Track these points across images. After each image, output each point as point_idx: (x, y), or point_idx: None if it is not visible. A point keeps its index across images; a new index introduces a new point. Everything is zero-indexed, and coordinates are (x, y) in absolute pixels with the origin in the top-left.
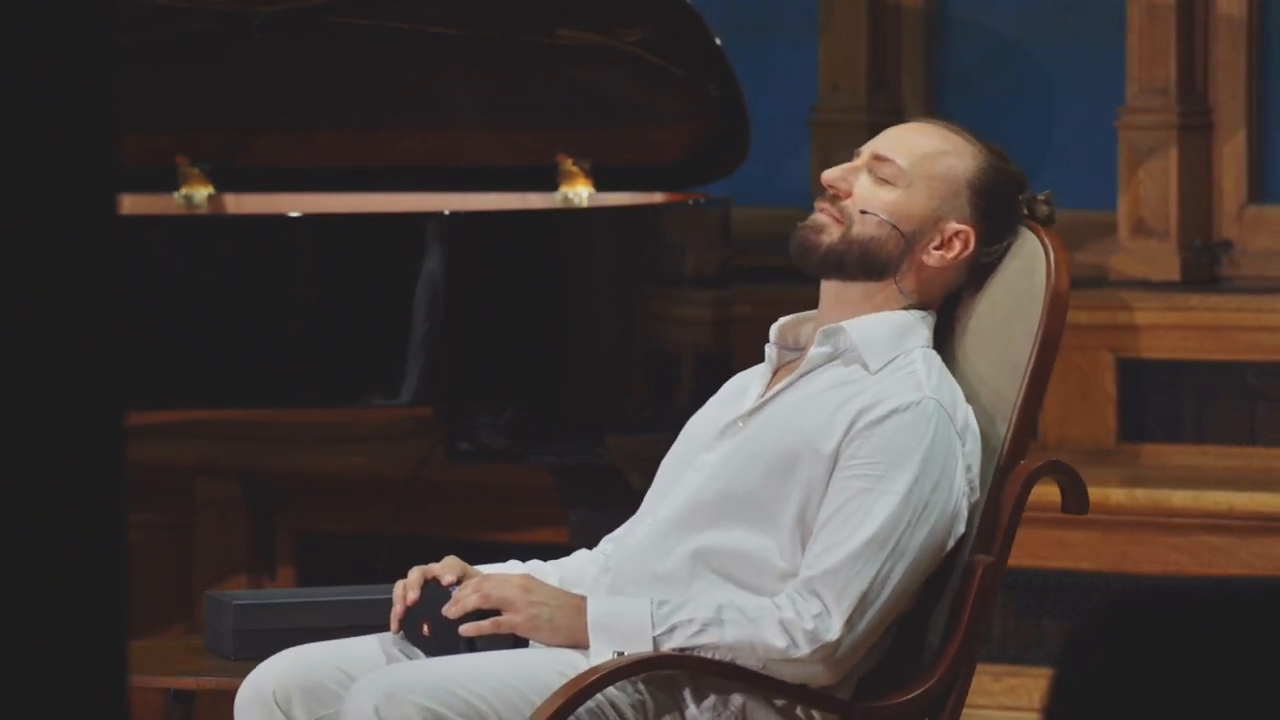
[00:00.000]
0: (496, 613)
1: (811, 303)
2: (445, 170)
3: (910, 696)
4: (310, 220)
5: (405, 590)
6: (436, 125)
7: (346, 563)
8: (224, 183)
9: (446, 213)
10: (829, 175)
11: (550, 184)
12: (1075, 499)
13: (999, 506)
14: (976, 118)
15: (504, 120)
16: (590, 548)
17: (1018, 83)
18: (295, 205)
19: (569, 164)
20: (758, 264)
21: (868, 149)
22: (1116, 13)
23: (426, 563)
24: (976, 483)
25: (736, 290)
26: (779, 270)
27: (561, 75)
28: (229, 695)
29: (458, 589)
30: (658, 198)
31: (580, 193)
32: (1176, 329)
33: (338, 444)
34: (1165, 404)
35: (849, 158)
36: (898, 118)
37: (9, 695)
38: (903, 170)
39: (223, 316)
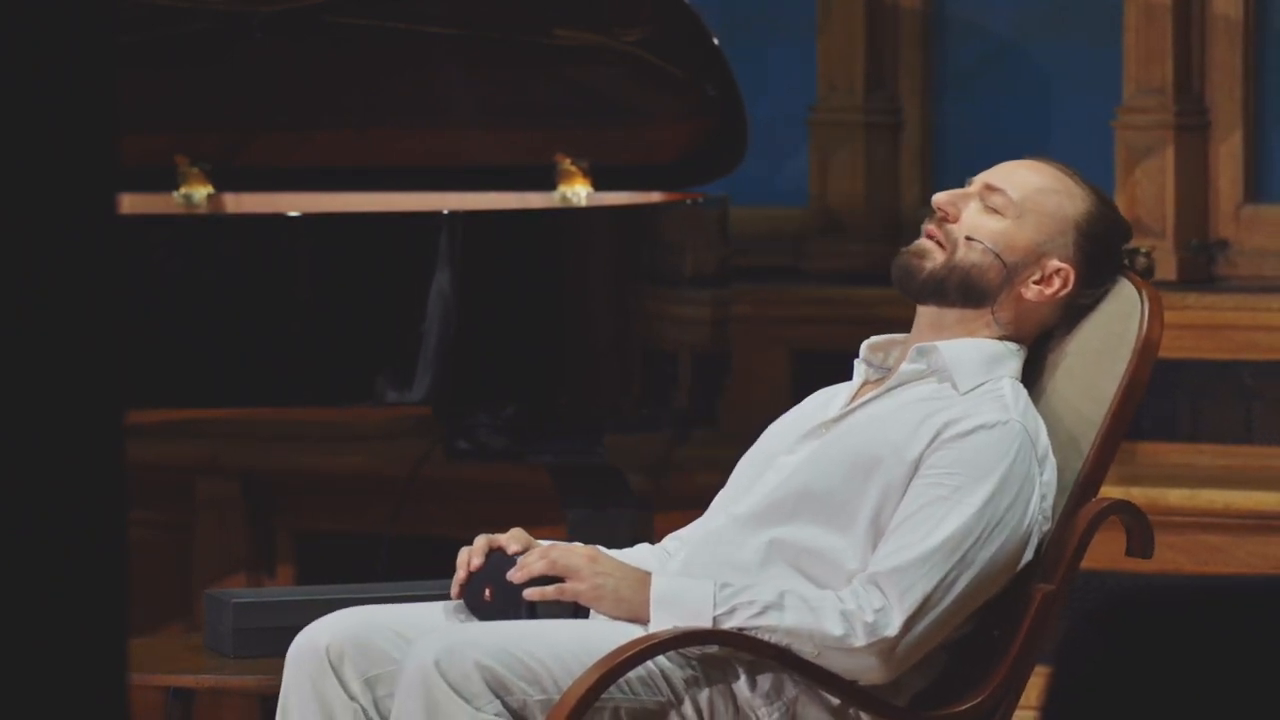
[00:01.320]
0: (560, 580)
1: (806, 302)
2: (444, 170)
3: (957, 710)
4: (309, 220)
5: (470, 556)
6: (435, 125)
7: (346, 561)
8: (223, 182)
9: (445, 212)
10: (940, 199)
11: (549, 183)
12: (1140, 543)
13: (1065, 539)
14: (974, 118)
15: (503, 120)
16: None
17: (1015, 82)
18: (294, 205)
19: (567, 163)
20: (755, 264)
21: (981, 178)
22: (1113, 13)
23: (426, 562)
24: (1049, 512)
25: (734, 290)
26: (777, 270)
27: (560, 75)
28: (228, 694)
29: (523, 556)
30: (656, 197)
31: (578, 192)
32: (1173, 328)
33: (337, 443)
34: (1162, 403)
35: (844, 158)
36: (895, 118)
37: (9, 693)
38: (1013, 202)
39: (222, 316)
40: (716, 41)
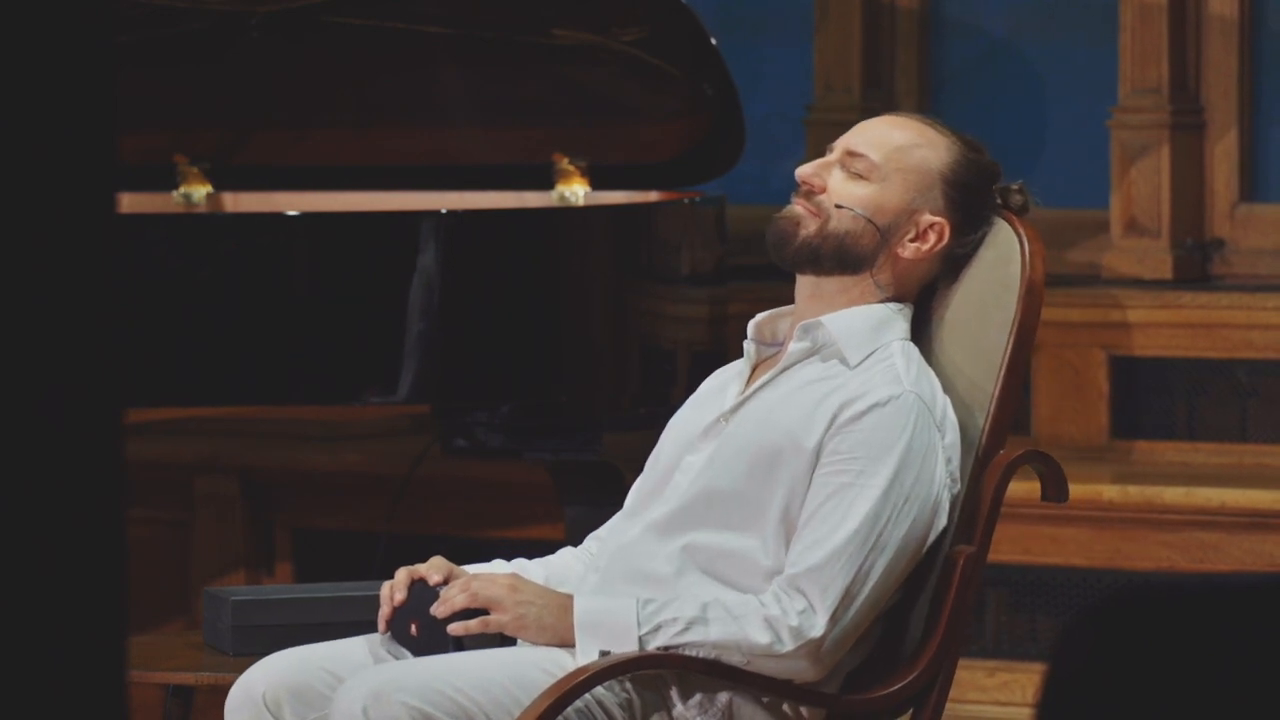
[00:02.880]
0: (484, 612)
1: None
2: (442, 169)
3: (895, 688)
4: (307, 218)
5: (392, 591)
6: (433, 124)
7: (344, 559)
8: (222, 181)
9: (443, 211)
10: (803, 171)
11: (546, 183)
12: (1055, 487)
13: (979, 497)
14: (970, 117)
15: (500, 119)
16: (578, 544)
17: (1011, 82)
18: (293, 204)
19: (565, 163)
20: (752, 262)
21: (840, 144)
22: (1109, 12)
23: (424, 559)
24: (957, 474)
25: (731, 288)
26: (773, 268)
27: (557, 74)
28: (227, 690)
29: (445, 589)
30: (653, 196)
31: (576, 191)
32: (1168, 327)
33: (335, 441)
34: (1157, 401)
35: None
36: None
37: (9, 690)
38: (876, 164)
39: (221, 314)
40: (714, 41)
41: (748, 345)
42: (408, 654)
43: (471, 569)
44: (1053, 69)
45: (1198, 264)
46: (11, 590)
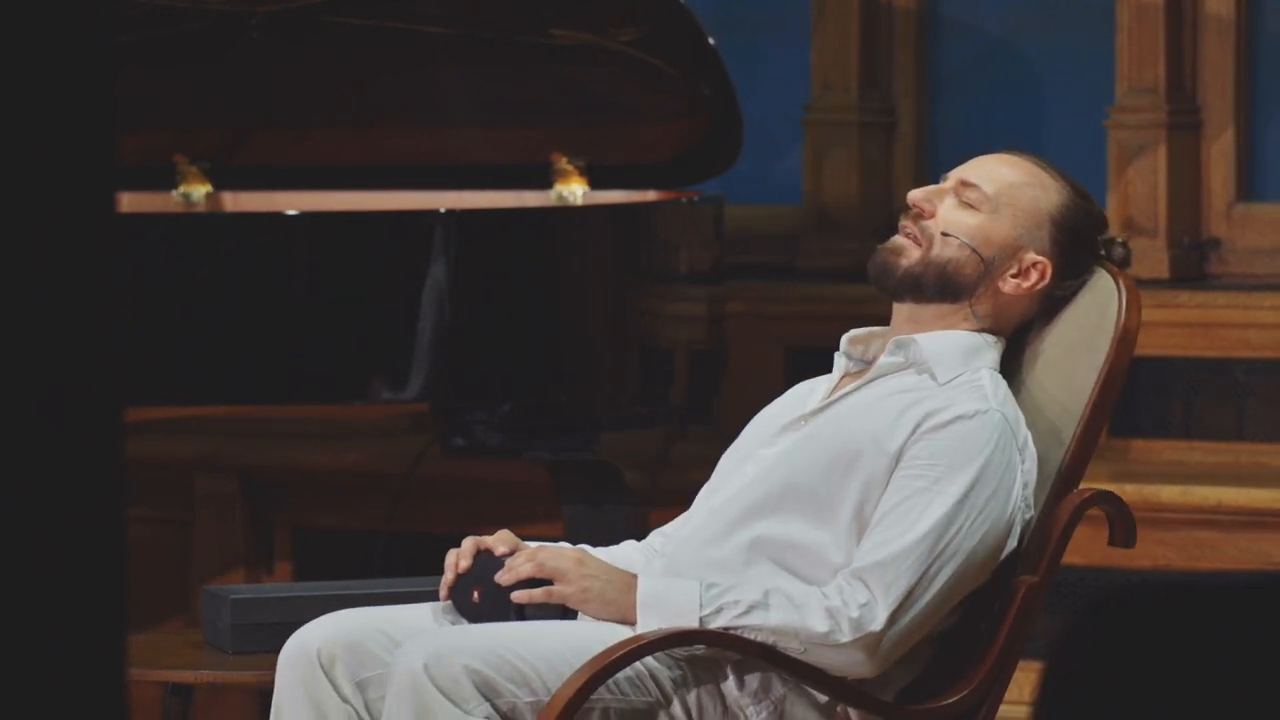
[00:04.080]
0: (548, 582)
1: (800, 300)
2: (441, 168)
3: (944, 704)
4: (307, 218)
5: (457, 558)
6: (432, 124)
7: (343, 557)
8: (222, 181)
9: (442, 211)
10: (915, 195)
11: (545, 182)
12: (1123, 533)
13: (1048, 530)
14: (967, 117)
15: (499, 119)
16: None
17: (1008, 82)
18: (292, 203)
19: (563, 162)
20: (750, 261)
21: (955, 174)
22: (1106, 12)
23: (423, 559)
24: (1032, 500)
25: (729, 287)
26: (771, 268)
27: (556, 74)
28: (226, 689)
29: (510, 558)
30: (651, 196)
31: (574, 191)
32: (1165, 326)
33: (335, 440)
34: (1154, 400)
35: (838, 157)
36: (889, 117)
37: (9, 688)
38: (988, 197)
39: (220, 314)
40: (712, 41)
41: (838, 358)
42: (466, 622)
43: (536, 546)
44: (1050, 69)
45: (1195, 263)
46: (11, 590)
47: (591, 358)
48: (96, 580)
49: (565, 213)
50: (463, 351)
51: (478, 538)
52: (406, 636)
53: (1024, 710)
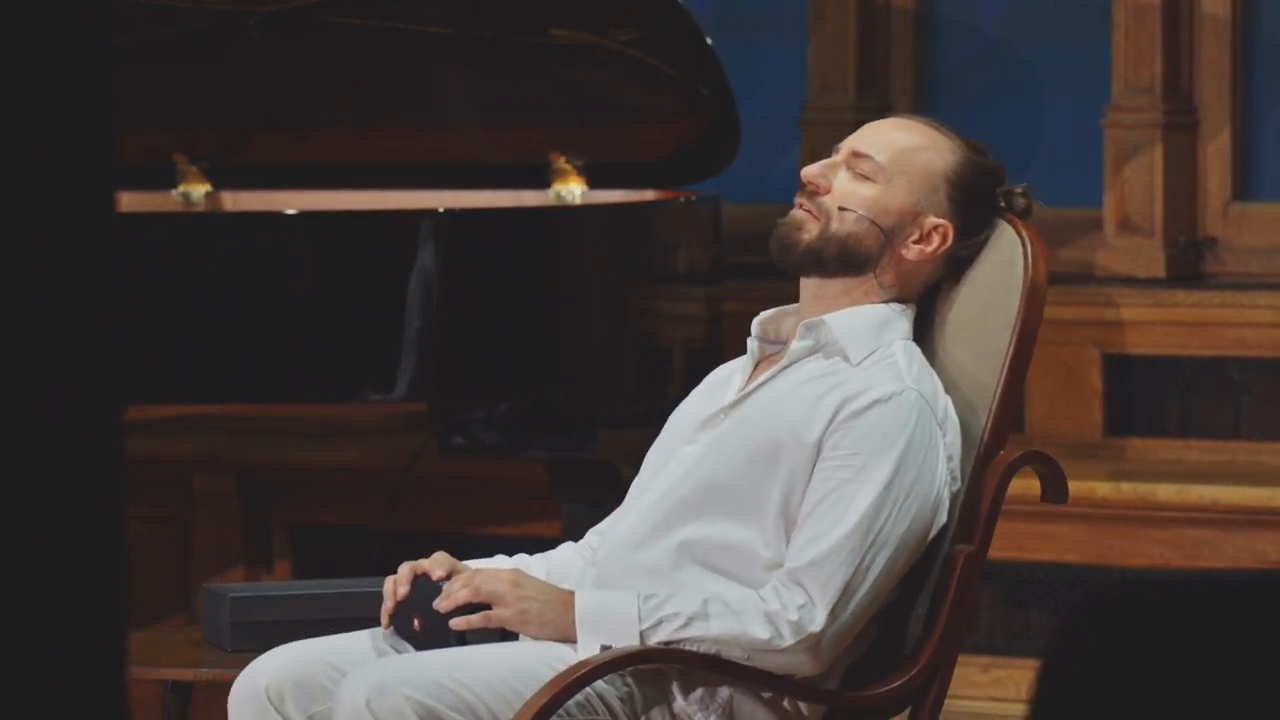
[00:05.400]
0: (486, 607)
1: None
2: (439, 168)
3: (894, 685)
4: (306, 217)
5: (395, 585)
6: (431, 123)
7: (342, 556)
8: (221, 180)
9: (441, 210)
10: (808, 172)
11: (543, 182)
12: (1055, 489)
13: (979, 497)
14: (964, 117)
15: (498, 118)
16: (579, 541)
17: (1005, 82)
18: (291, 203)
19: (562, 162)
20: (748, 260)
21: (846, 145)
22: (1102, 12)
23: (422, 556)
24: (958, 472)
25: (727, 286)
26: (769, 267)
27: (554, 74)
28: (226, 687)
29: (448, 583)
30: (649, 195)
31: (573, 190)
32: (1162, 325)
33: (333, 438)
34: (1151, 399)
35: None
36: (886, 117)
37: (9, 686)
38: (881, 166)
39: (219, 313)
40: (709, 41)
41: (751, 343)
42: (410, 648)
43: (473, 564)
44: (1047, 69)
45: (1191, 262)
46: (11, 588)
47: (590, 357)
48: (96, 579)
49: (564, 212)
50: (461, 350)
51: (414, 563)
52: (352, 666)
53: (1021, 708)
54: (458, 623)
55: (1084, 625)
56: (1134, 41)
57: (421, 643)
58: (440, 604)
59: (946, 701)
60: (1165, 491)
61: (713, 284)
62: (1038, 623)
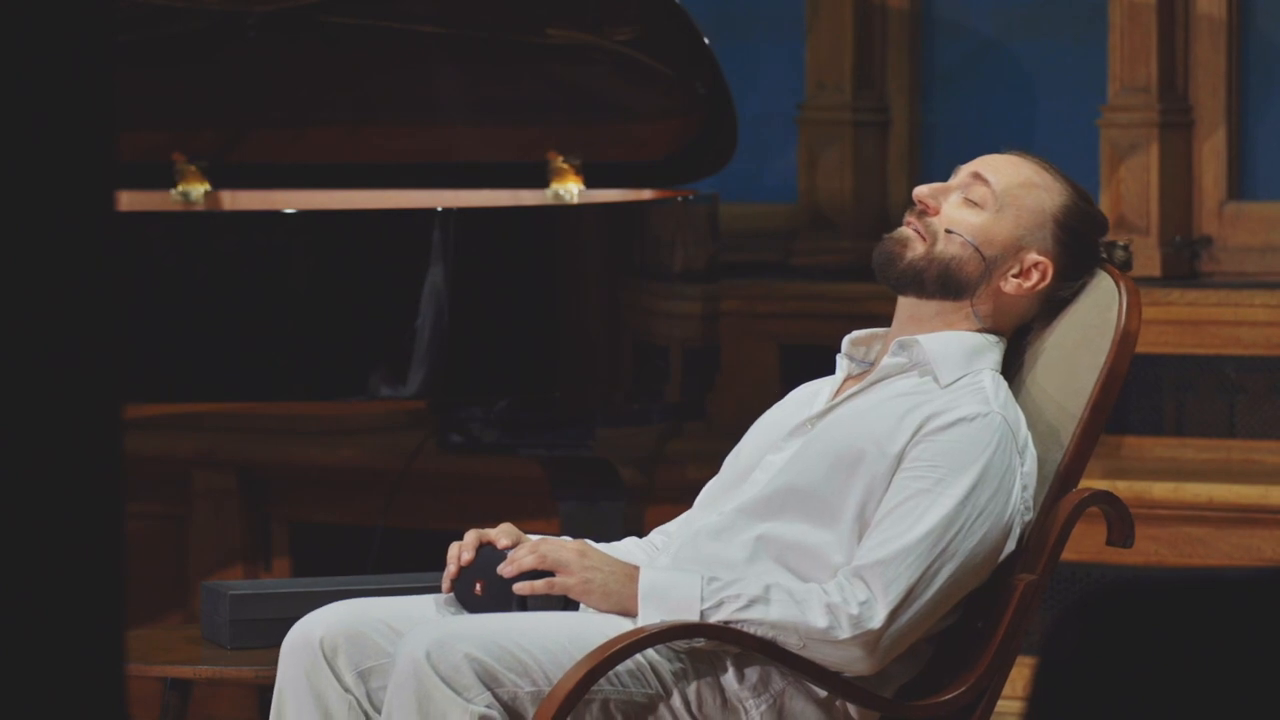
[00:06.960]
0: (550, 574)
1: (795, 297)
2: (437, 167)
3: (941, 700)
4: (305, 216)
5: (460, 551)
6: (428, 122)
7: (340, 552)
8: (220, 179)
9: (439, 209)
10: (920, 191)
11: (541, 181)
12: (1121, 532)
13: (1047, 530)
14: (961, 116)
15: (495, 117)
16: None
17: (1001, 81)
18: (290, 202)
19: (559, 161)
20: (745, 259)
21: (966, 168)
22: (1098, 12)
23: (419, 554)
24: (1031, 502)
25: (724, 285)
26: (766, 266)
27: (551, 73)
28: (225, 684)
29: (513, 550)
30: (646, 194)
31: (570, 189)
32: (1157, 323)
33: (332, 436)
34: (1146, 397)
35: (832, 156)
36: (883, 116)
37: (8, 684)
38: (994, 194)
39: (218, 311)
40: (706, 40)
41: (841, 359)
42: (468, 614)
43: (537, 539)
44: (1043, 68)
45: (1186, 261)
46: (11, 586)
47: (587, 355)
48: (95, 575)
49: (561, 211)
50: (459, 348)
51: (480, 530)
52: (409, 627)
53: (1017, 705)
54: (521, 587)
55: (1079, 623)
56: (1129, 41)
57: (482, 608)
58: (505, 569)
59: None
60: (1160, 489)
61: (709, 282)
62: (1033, 620)
